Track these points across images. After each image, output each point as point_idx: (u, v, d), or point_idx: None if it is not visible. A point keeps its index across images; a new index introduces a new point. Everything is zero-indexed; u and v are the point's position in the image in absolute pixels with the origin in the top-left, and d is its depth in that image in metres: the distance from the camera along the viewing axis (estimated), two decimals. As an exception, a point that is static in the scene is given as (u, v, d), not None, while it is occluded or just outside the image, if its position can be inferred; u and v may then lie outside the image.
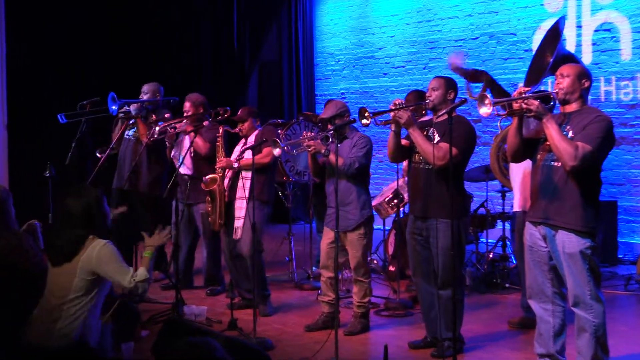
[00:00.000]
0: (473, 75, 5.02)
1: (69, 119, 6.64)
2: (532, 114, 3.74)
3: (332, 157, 4.80)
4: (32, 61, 8.36)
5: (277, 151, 4.91)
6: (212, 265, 6.32)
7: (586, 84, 3.86)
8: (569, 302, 3.87)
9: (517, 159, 4.10)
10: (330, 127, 5.02)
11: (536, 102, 3.71)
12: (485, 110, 3.69)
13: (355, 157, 4.97)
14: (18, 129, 8.20)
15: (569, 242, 3.76)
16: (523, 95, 3.75)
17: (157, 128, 5.86)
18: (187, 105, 6.17)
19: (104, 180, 6.36)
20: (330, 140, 4.84)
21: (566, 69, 3.89)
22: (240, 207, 5.55)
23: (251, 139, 5.69)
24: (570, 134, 3.75)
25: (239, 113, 5.80)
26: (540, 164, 3.89)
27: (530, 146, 3.96)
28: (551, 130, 3.70)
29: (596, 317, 3.77)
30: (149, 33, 9.48)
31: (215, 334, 3.96)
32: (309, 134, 5.09)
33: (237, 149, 5.77)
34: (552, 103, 3.90)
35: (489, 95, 3.69)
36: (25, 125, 8.23)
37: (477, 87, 5.16)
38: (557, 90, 3.86)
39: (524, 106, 3.73)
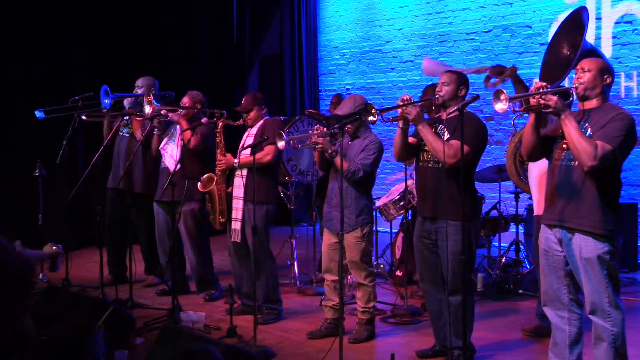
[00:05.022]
0: (498, 71, 4.97)
1: (48, 114, 6.65)
2: (550, 110, 3.72)
3: (337, 160, 4.82)
4: (22, 57, 8.38)
5: (281, 144, 4.90)
6: (204, 268, 6.30)
7: (608, 80, 3.85)
8: (586, 309, 3.87)
9: (534, 157, 4.09)
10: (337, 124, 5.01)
11: (554, 98, 3.70)
12: (500, 106, 3.67)
13: (361, 164, 4.96)
14: (5, 127, 8.21)
15: (586, 246, 3.75)
16: (541, 91, 3.75)
17: (149, 109, 5.87)
18: (185, 99, 6.21)
19: (97, 179, 6.39)
20: (339, 139, 4.84)
21: (587, 63, 3.87)
22: (237, 208, 5.56)
23: (254, 131, 5.64)
24: (589, 131, 3.74)
25: (242, 102, 5.74)
26: (557, 163, 3.88)
27: (548, 144, 3.95)
28: (570, 127, 3.68)
29: (614, 325, 3.76)
30: (143, 24, 9.48)
31: (214, 342, 3.97)
32: (318, 130, 5.07)
33: (244, 137, 5.74)
34: (570, 99, 3.88)
35: (504, 91, 3.67)
36: (13, 122, 8.24)
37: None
38: (576, 85, 3.84)
39: (542, 102, 3.71)
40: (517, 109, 3.91)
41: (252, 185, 5.24)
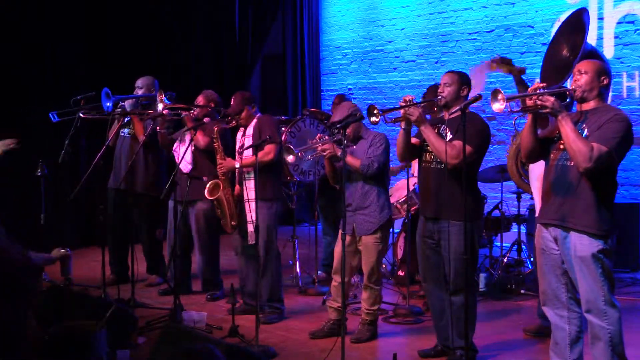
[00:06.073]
0: (507, 62, 5.00)
1: (61, 117, 6.68)
2: (547, 110, 3.76)
3: (348, 159, 4.84)
4: (22, 57, 8.40)
5: (290, 158, 4.95)
6: (210, 269, 6.35)
7: (605, 82, 3.89)
8: (582, 308, 3.89)
9: (532, 158, 4.12)
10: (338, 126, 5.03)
11: (551, 99, 3.74)
12: (498, 106, 3.71)
13: (373, 156, 5.00)
14: (6, 126, 8.23)
15: (580, 245, 3.78)
16: (538, 91, 3.78)
17: (161, 107, 5.91)
18: (199, 98, 6.28)
19: (99, 179, 6.41)
20: (345, 142, 4.87)
21: (584, 65, 3.91)
22: (248, 210, 5.57)
23: (250, 130, 5.69)
24: (586, 132, 3.78)
25: (232, 104, 5.78)
26: (554, 163, 3.92)
27: (546, 145, 3.99)
28: (566, 128, 3.72)
29: (611, 324, 3.78)
30: (143, 24, 9.49)
31: (216, 341, 3.99)
32: (321, 138, 5.10)
33: (238, 138, 5.81)
34: (568, 100, 3.91)
35: (502, 91, 3.70)
36: (14, 122, 8.25)
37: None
38: (574, 87, 3.88)
39: (539, 102, 3.75)
40: (515, 109, 3.94)
41: (257, 185, 5.27)
